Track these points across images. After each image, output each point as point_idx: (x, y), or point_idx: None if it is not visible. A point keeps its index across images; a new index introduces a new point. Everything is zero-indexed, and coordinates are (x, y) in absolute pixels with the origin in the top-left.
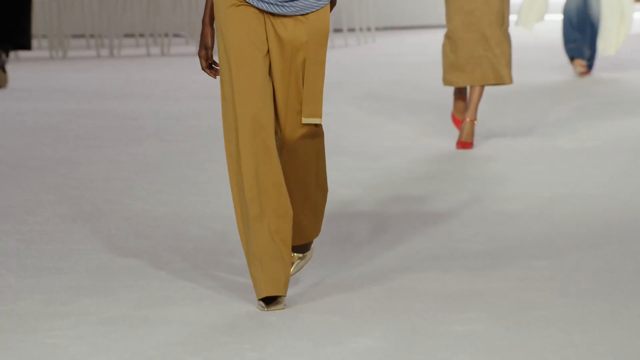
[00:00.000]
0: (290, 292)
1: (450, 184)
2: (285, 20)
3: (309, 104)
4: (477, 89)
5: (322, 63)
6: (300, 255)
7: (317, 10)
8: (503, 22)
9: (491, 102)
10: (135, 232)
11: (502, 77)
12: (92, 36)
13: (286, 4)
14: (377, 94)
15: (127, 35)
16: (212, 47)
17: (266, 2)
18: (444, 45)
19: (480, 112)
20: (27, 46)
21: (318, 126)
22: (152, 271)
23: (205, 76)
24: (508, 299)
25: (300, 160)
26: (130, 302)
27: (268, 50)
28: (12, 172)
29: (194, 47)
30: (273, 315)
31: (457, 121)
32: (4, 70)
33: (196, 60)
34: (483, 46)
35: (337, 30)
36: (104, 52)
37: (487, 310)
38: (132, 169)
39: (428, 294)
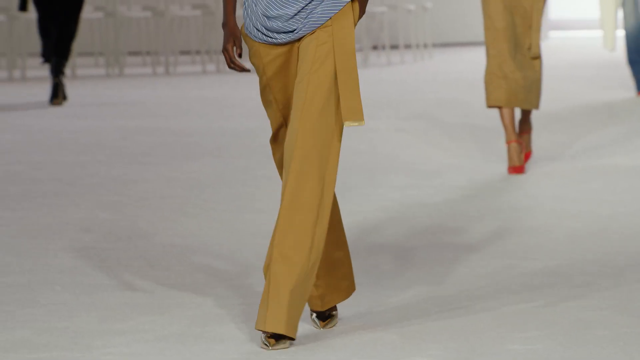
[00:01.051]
0: (348, 311)
1: (506, 202)
2: (310, 35)
3: (348, 107)
4: (510, 111)
5: (354, 68)
6: (324, 322)
7: (340, 10)
8: (531, 45)
9: (547, 120)
10: (190, 249)
11: (529, 102)
12: (148, 53)
13: (306, 22)
14: (432, 111)
15: (182, 53)
16: (240, 39)
17: (293, 32)
18: (486, 65)
19: (535, 131)
20: (65, 57)
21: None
22: (207, 289)
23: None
24: (567, 318)
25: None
26: (185, 320)
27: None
28: (68, 190)
29: (249, 64)
30: (329, 333)
31: (515, 169)
32: (59, 89)
33: (252, 78)
34: (511, 67)
35: (394, 47)
36: (160, 69)
37: (545, 329)
38: (187, 187)
39: (485, 312)
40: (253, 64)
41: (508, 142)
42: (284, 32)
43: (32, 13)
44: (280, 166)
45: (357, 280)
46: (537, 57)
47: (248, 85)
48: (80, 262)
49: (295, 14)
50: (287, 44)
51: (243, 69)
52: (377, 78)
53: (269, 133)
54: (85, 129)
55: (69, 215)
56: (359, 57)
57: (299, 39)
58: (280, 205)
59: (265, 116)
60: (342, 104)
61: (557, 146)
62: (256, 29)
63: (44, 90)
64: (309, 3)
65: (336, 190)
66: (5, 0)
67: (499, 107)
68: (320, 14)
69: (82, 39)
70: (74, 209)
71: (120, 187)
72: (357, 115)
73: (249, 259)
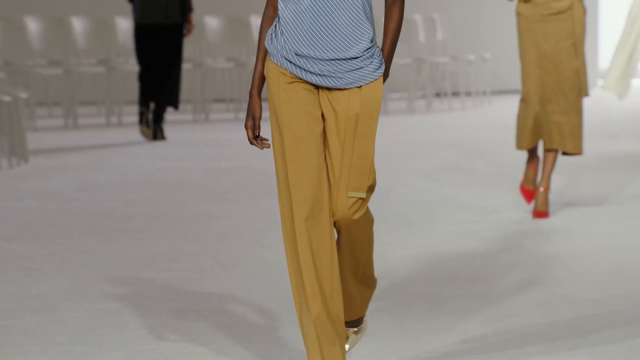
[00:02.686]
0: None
1: (557, 236)
2: (340, 92)
3: (355, 178)
4: (549, 158)
5: (372, 136)
6: (355, 329)
7: (371, 82)
8: (573, 90)
9: (573, 171)
10: (268, 279)
11: (566, 145)
12: (231, 101)
13: (341, 75)
14: (490, 152)
15: (264, 100)
16: (260, 117)
17: (322, 76)
18: (518, 109)
19: (561, 182)
20: (176, 106)
21: (367, 212)
22: (284, 314)
23: None
24: (616, 345)
25: (347, 247)
26: (263, 344)
27: (323, 127)
28: (157, 224)
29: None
30: None
31: (526, 192)
32: (147, 126)
33: None
34: (551, 111)
35: (455, 94)
36: (242, 115)
37: (596, 354)
38: (265, 221)
39: (538, 337)
40: (268, 88)
41: (528, 167)
42: (313, 73)
43: (129, 65)
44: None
45: (425, 306)
46: (587, 95)
47: None
48: (167, 290)
49: (328, 60)
50: (312, 84)
51: (263, 146)
52: (439, 123)
53: None
54: (174, 168)
55: (157, 247)
56: (422, 103)
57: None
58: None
59: None
60: (351, 180)
61: (602, 189)
62: (284, 58)
63: (138, 134)
64: (348, 59)
65: (399, 224)
66: (105, 53)
67: (528, 151)
68: (356, 77)
69: None
70: (162, 242)
71: (203, 222)
72: (362, 189)
73: None
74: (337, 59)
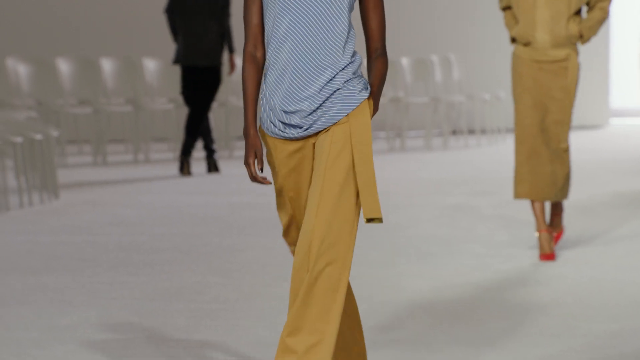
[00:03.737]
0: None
1: (571, 270)
2: (327, 131)
3: (367, 204)
4: (540, 206)
5: (370, 161)
6: None
7: (357, 106)
8: (555, 141)
9: (585, 206)
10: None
11: (556, 195)
12: None
13: (325, 111)
14: (505, 189)
15: None
16: (262, 153)
17: (309, 128)
18: (515, 154)
19: (573, 216)
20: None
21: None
22: None
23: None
24: None
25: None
26: None
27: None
28: (184, 257)
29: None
30: None
31: (546, 256)
32: (189, 172)
33: None
34: (538, 162)
35: (471, 132)
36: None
37: None
38: (286, 255)
39: None
40: (269, 162)
41: (539, 231)
42: (301, 128)
43: (155, 103)
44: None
45: (436, 339)
46: (566, 149)
47: None
48: (193, 321)
49: (314, 110)
50: (302, 139)
51: (266, 182)
52: (455, 160)
53: None
54: (200, 203)
55: (184, 279)
56: (439, 140)
57: (315, 134)
58: (300, 291)
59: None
60: (363, 203)
61: (615, 224)
62: (273, 124)
63: (165, 170)
64: (326, 100)
65: (416, 256)
66: (132, 92)
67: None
68: (337, 110)
69: None
70: (189, 274)
71: (228, 255)
72: (376, 212)
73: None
74: (322, 103)
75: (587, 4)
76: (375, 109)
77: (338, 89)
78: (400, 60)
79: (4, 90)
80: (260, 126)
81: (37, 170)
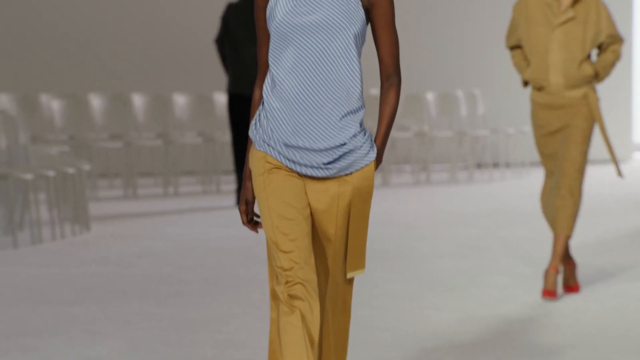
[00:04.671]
0: None
1: (596, 299)
2: (327, 182)
3: (352, 259)
4: (560, 238)
5: (366, 218)
6: None
7: (362, 167)
8: (574, 175)
9: (609, 243)
10: None
11: (557, 229)
12: None
13: (330, 165)
14: (529, 221)
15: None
16: (253, 202)
17: (310, 167)
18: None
19: (586, 255)
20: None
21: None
22: None
23: (444, 207)
24: None
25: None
26: None
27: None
28: (210, 288)
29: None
30: None
31: (570, 288)
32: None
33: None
34: (556, 193)
35: (495, 165)
36: None
37: None
38: None
39: None
40: (254, 178)
41: (549, 266)
42: (299, 164)
43: (185, 137)
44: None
45: None
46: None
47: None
48: (219, 351)
49: (317, 151)
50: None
51: (257, 229)
52: (480, 193)
53: (395, 242)
54: (228, 236)
55: (211, 310)
56: (464, 174)
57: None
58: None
59: (431, 227)
60: (348, 261)
61: (636, 261)
62: (271, 146)
63: (194, 203)
64: (332, 149)
65: (442, 288)
66: (162, 126)
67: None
68: (346, 165)
69: (226, 159)
70: (216, 304)
71: (254, 286)
72: (360, 267)
73: (364, 351)
74: (326, 149)
75: (599, 46)
76: (379, 162)
77: (344, 144)
78: (426, 95)
79: (38, 125)
80: (251, 147)
81: (69, 203)
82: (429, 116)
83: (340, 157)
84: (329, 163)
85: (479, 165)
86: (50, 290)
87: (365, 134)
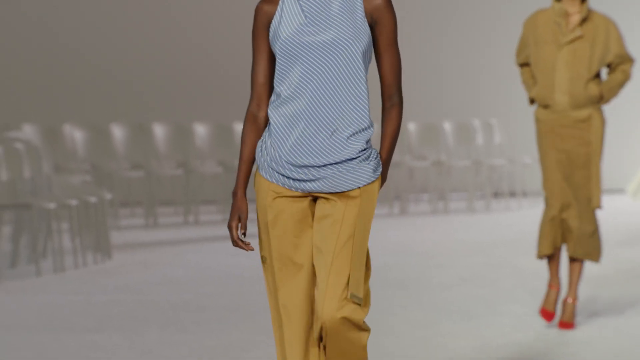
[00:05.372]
0: None
1: (614, 330)
2: (335, 196)
3: (353, 281)
4: (574, 267)
5: (366, 239)
6: None
7: (369, 184)
8: (583, 198)
9: (628, 273)
10: None
11: (576, 252)
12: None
13: (337, 179)
14: None
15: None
16: (247, 217)
17: (317, 181)
18: (542, 213)
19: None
20: None
21: (363, 323)
22: None
23: (486, 238)
24: None
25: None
26: None
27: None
28: (230, 316)
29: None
30: None
31: (546, 313)
32: None
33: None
34: (569, 216)
35: (512, 195)
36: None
37: None
38: None
39: None
40: (258, 205)
41: (549, 286)
42: (303, 181)
43: (205, 167)
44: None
45: None
46: (597, 207)
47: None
48: None
49: (320, 166)
50: (303, 192)
51: (248, 248)
52: (497, 222)
53: (412, 270)
54: (248, 264)
55: (231, 337)
56: (481, 203)
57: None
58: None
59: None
60: (352, 276)
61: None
62: (275, 171)
63: (214, 231)
64: (338, 163)
65: (460, 316)
66: (182, 156)
67: (549, 265)
68: (353, 179)
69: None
70: (236, 332)
71: None
72: (359, 290)
73: None
74: (333, 163)
75: (608, 65)
76: (383, 181)
77: (353, 159)
78: (443, 125)
79: (61, 155)
80: (256, 170)
81: (91, 231)
82: (446, 145)
83: (348, 172)
84: (337, 177)
85: (496, 195)
86: (72, 318)
87: (371, 152)
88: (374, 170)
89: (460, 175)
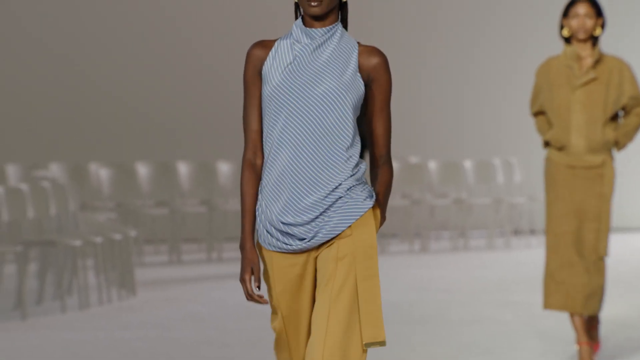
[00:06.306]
0: None
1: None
2: (329, 243)
3: (368, 326)
4: (578, 319)
5: (375, 277)
6: None
7: (361, 217)
8: (591, 252)
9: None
10: None
11: (587, 308)
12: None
13: (327, 222)
14: None
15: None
16: (259, 269)
17: (310, 239)
18: (545, 261)
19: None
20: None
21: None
22: None
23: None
24: None
25: None
26: None
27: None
28: (252, 351)
29: (498, 240)
30: None
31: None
32: None
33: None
34: (569, 272)
35: (532, 232)
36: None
37: None
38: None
39: None
40: (264, 278)
41: (579, 343)
42: (300, 239)
43: (229, 204)
44: None
45: None
46: (604, 255)
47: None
48: None
49: (313, 220)
50: (302, 252)
51: (263, 301)
52: (517, 259)
53: (433, 307)
54: None
55: None
56: (501, 242)
57: (317, 247)
58: None
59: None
60: (363, 324)
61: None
62: (270, 235)
63: (237, 268)
64: (327, 209)
65: (479, 353)
66: (207, 194)
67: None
68: (339, 220)
69: None
70: None
71: None
72: (378, 336)
73: None
74: (316, 203)
75: (623, 108)
76: (382, 219)
77: (340, 197)
78: (464, 163)
79: (87, 193)
80: (257, 240)
81: (116, 268)
82: (467, 183)
83: (335, 201)
84: (326, 219)
85: (516, 232)
86: (97, 354)
87: (363, 178)
88: (366, 198)
89: (480, 213)
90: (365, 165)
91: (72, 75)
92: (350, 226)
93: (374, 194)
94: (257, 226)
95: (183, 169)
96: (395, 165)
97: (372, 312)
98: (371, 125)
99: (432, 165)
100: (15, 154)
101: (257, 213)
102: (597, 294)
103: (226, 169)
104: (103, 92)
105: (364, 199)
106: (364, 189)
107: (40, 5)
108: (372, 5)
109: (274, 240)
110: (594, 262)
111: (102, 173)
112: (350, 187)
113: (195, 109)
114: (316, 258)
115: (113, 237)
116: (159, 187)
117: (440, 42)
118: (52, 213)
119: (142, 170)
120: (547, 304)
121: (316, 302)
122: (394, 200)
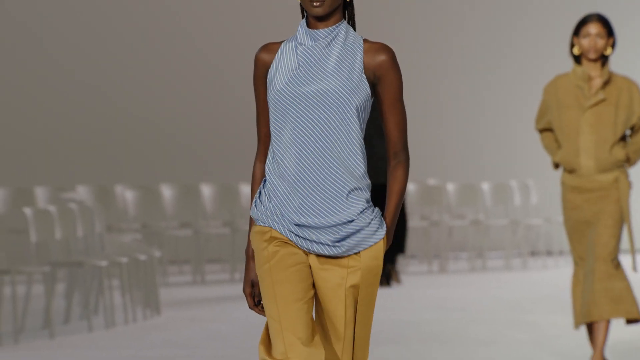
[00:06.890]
0: None
1: None
2: (334, 261)
3: (358, 349)
4: (600, 329)
5: (372, 303)
6: None
7: (371, 246)
8: (608, 259)
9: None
10: None
11: (618, 311)
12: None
13: (338, 243)
14: None
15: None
16: (257, 283)
17: (316, 243)
18: (572, 279)
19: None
20: (403, 250)
21: None
22: None
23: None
24: None
25: None
26: None
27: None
28: None
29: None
30: None
31: None
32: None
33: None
34: (594, 277)
35: (549, 253)
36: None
37: None
38: None
39: None
40: (255, 247)
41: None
42: (315, 242)
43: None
44: None
45: None
46: (617, 265)
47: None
48: None
49: (327, 227)
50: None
51: (264, 314)
52: (534, 280)
53: (451, 326)
54: None
55: None
56: (518, 263)
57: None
58: None
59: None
60: (356, 351)
61: None
62: (278, 223)
63: None
64: (341, 225)
65: None
66: (230, 215)
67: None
68: (356, 242)
69: None
70: None
71: None
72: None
73: None
74: (333, 225)
75: (632, 128)
76: (389, 242)
77: (352, 221)
78: (481, 185)
79: (113, 215)
80: (253, 223)
81: (141, 288)
82: (484, 205)
83: (349, 235)
84: (338, 241)
85: (533, 253)
86: None
87: (373, 210)
88: (376, 231)
89: (497, 234)
90: (369, 183)
91: (99, 100)
92: (359, 253)
93: (384, 223)
94: (255, 216)
95: (206, 191)
96: (413, 187)
97: (364, 337)
98: (384, 121)
99: (450, 187)
100: (44, 177)
101: (255, 207)
102: (624, 296)
103: (248, 191)
104: (129, 116)
105: (376, 230)
106: (375, 219)
107: (67, 33)
108: (393, 30)
109: (282, 228)
110: (614, 268)
111: (127, 195)
112: (363, 211)
113: (218, 132)
114: (317, 259)
115: (138, 257)
116: (183, 208)
117: (458, 66)
118: (79, 234)
119: (167, 192)
120: (578, 322)
121: (324, 315)
122: (412, 222)
